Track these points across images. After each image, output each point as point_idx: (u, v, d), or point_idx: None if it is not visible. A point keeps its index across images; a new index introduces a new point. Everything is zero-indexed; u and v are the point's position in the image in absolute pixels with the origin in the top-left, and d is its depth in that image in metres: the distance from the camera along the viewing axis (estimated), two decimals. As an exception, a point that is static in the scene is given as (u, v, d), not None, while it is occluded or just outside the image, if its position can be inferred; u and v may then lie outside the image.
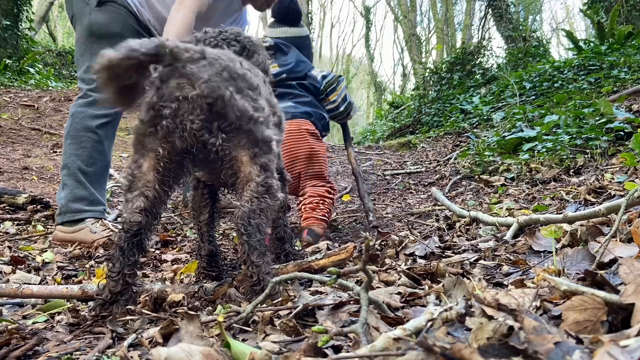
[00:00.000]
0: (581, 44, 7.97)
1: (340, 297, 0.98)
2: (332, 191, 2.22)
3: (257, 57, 1.45)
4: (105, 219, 2.16)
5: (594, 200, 1.91)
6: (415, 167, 4.74)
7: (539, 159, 3.08)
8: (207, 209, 1.37)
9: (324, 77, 2.34)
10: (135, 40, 1.00)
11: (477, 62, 9.30)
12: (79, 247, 2.01)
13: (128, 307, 1.03)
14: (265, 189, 1.07)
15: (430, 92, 9.34)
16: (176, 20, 2.00)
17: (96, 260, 1.82)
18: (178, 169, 1.11)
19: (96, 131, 2.12)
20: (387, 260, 1.38)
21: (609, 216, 1.35)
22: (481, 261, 1.27)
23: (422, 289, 1.06)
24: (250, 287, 1.05)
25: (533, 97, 6.06)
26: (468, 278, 1.11)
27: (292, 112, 2.19)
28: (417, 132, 7.92)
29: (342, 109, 2.39)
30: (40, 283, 1.49)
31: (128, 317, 1.00)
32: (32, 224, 2.38)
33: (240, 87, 1.07)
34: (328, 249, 1.66)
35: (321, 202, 2.14)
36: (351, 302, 0.90)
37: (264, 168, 1.08)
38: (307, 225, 2.09)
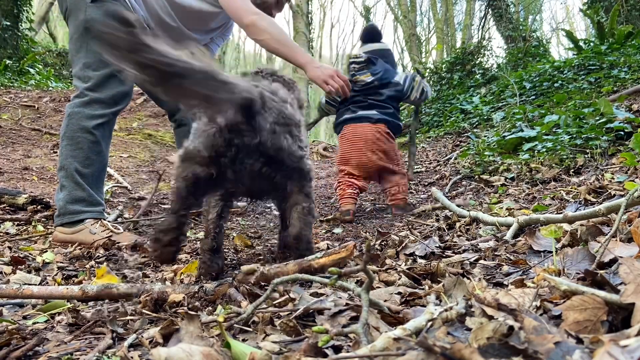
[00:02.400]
0: (581, 43, 7.97)
1: (340, 297, 0.98)
2: (404, 176, 2.93)
3: (294, 92, 1.60)
4: (104, 219, 2.16)
5: (594, 200, 1.91)
6: (415, 167, 4.74)
7: (539, 158, 3.08)
8: (215, 209, 1.46)
9: (405, 80, 2.92)
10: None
11: (477, 62, 9.30)
12: (79, 247, 2.01)
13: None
14: (308, 211, 1.33)
15: (430, 92, 9.34)
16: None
17: (96, 260, 1.82)
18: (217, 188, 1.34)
19: (93, 132, 2.09)
20: (388, 260, 1.38)
21: (609, 216, 1.35)
22: (481, 261, 1.27)
23: (422, 289, 1.06)
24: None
25: (533, 97, 6.06)
26: (468, 278, 1.11)
27: (376, 117, 2.81)
28: (417, 132, 7.92)
29: (418, 100, 3.04)
30: (40, 283, 1.49)
31: (128, 318, 1.00)
32: (33, 224, 2.38)
33: (291, 131, 1.25)
34: (328, 248, 1.66)
35: (396, 186, 2.88)
36: (352, 308, 0.90)
37: (307, 195, 1.34)
38: (394, 204, 2.86)
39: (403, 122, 3.67)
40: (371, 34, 3.07)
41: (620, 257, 0.96)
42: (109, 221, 2.22)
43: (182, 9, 2.26)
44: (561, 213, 1.49)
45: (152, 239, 1.25)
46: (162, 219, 1.42)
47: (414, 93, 2.92)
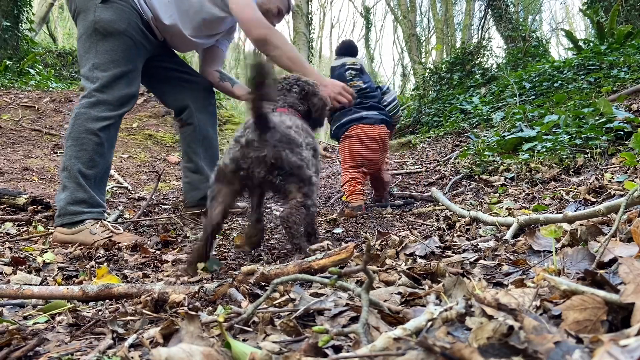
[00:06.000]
0: (581, 43, 7.97)
1: (340, 297, 0.98)
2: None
3: (314, 99, 1.99)
4: (104, 220, 2.15)
5: (594, 199, 1.92)
6: (415, 167, 4.74)
7: (538, 158, 3.08)
8: (256, 202, 1.92)
9: (383, 93, 3.24)
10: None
11: (476, 62, 9.30)
12: (79, 247, 2.01)
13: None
14: (301, 204, 1.60)
15: (430, 92, 9.34)
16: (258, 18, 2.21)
17: (97, 260, 1.82)
18: (243, 192, 1.72)
19: (98, 134, 2.10)
20: (388, 260, 1.38)
21: (608, 216, 1.35)
22: (481, 261, 1.27)
23: (422, 289, 1.06)
24: (296, 254, 1.57)
25: (533, 97, 6.06)
26: (468, 278, 1.11)
27: (379, 118, 3.05)
28: (417, 132, 7.92)
29: (396, 119, 3.35)
30: (40, 284, 1.49)
31: (129, 318, 1.00)
32: (33, 224, 2.38)
33: (291, 148, 1.59)
34: (328, 248, 1.66)
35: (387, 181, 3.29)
36: (352, 308, 0.90)
37: (305, 194, 1.61)
38: (381, 196, 3.31)
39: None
40: (350, 49, 3.37)
41: (620, 256, 0.96)
42: (109, 221, 2.22)
43: (199, 15, 2.29)
44: (561, 213, 1.49)
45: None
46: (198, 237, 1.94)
47: (398, 114, 3.32)
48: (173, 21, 2.29)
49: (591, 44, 7.67)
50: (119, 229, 2.13)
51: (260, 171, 1.56)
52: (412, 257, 1.43)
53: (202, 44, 2.52)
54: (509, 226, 1.62)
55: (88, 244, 2.01)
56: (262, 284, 1.20)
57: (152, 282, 1.45)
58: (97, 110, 2.10)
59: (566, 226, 1.37)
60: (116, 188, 3.69)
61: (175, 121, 2.74)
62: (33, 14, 11.05)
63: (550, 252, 1.19)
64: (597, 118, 3.30)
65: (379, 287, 1.06)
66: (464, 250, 1.47)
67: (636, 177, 2.09)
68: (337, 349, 0.72)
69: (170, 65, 2.58)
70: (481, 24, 12.08)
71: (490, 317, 0.65)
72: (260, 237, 1.92)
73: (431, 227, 2.05)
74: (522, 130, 3.88)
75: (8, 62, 8.91)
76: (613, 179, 2.21)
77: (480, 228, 1.82)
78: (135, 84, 2.21)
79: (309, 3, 13.44)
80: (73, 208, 2.06)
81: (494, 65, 9.61)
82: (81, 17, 2.14)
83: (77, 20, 2.19)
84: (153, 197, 3.05)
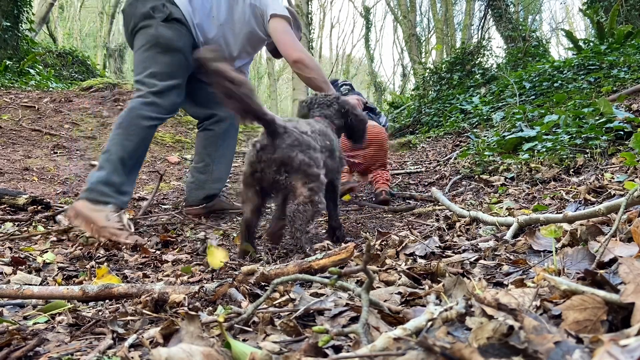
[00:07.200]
0: (581, 43, 7.97)
1: (340, 297, 0.98)
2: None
3: (352, 118, 2.21)
4: (124, 212, 2.24)
5: (594, 199, 1.92)
6: (415, 167, 4.74)
7: (538, 158, 3.08)
8: (281, 200, 2.01)
9: (376, 114, 3.77)
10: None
11: (476, 62, 9.29)
12: (79, 247, 2.01)
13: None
14: (308, 199, 1.69)
15: (430, 92, 9.33)
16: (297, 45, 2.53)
17: (97, 260, 1.82)
18: (266, 191, 1.82)
19: (146, 130, 2.30)
20: (388, 260, 1.38)
21: (608, 215, 1.35)
22: (481, 261, 1.27)
23: (422, 288, 1.06)
24: (296, 251, 1.68)
25: (533, 97, 6.06)
26: (468, 278, 1.11)
27: (382, 123, 3.59)
28: (417, 132, 7.92)
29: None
30: (41, 284, 1.49)
31: (129, 318, 1.00)
32: (33, 224, 2.38)
33: (302, 149, 1.71)
34: (328, 248, 1.66)
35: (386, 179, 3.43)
36: (352, 308, 0.90)
37: (310, 189, 1.70)
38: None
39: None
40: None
41: (620, 256, 0.96)
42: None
43: (251, 34, 2.59)
44: (561, 213, 1.49)
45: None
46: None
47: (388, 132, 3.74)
48: (221, 44, 2.59)
49: (591, 44, 7.67)
50: (130, 228, 2.18)
51: (270, 171, 1.70)
52: (412, 257, 1.42)
53: (237, 65, 2.79)
54: (509, 226, 1.62)
55: (97, 227, 2.04)
56: (262, 284, 1.20)
57: (152, 282, 1.45)
58: (150, 110, 2.31)
59: (566, 226, 1.37)
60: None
61: (198, 126, 2.92)
62: (33, 14, 11.04)
63: (550, 252, 1.19)
64: (597, 118, 3.30)
65: (379, 287, 1.06)
66: (464, 250, 1.47)
67: (636, 177, 2.09)
68: (337, 349, 0.72)
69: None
70: (481, 24, 12.09)
71: (490, 317, 0.65)
72: (281, 234, 2.04)
73: (431, 227, 2.05)
74: (522, 130, 3.88)
75: (8, 62, 8.91)
76: (613, 179, 2.21)
77: (480, 228, 1.82)
78: (182, 95, 2.51)
79: (309, 3, 13.43)
80: (104, 188, 2.15)
81: (494, 65, 9.60)
82: (142, 31, 2.39)
83: (135, 34, 2.43)
84: (154, 197, 3.05)
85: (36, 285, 1.41)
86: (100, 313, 1.10)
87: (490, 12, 11.67)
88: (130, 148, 2.24)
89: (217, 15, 2.50)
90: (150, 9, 2.34)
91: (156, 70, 2.36)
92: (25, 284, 1.29)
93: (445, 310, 0.70)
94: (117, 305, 1.15)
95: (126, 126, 2.26)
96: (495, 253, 1.34)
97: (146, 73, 2.35)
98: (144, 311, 1.03)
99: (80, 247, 2.01)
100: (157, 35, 2.34)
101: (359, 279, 1.19)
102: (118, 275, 1.55)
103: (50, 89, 8.52)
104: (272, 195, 1.88)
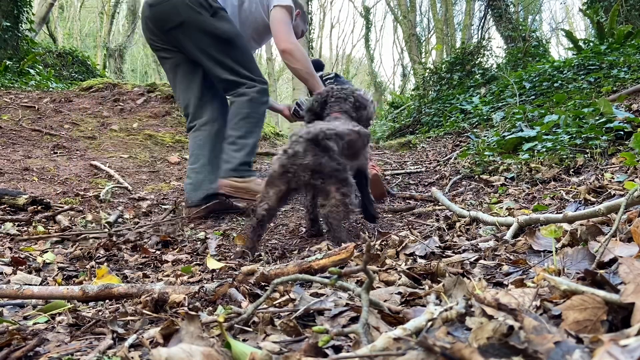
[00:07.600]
0: (581, 43, 7.97)
1: (340, 297, 0.98)
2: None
3: (364, 112, 2.31)
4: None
5: (594, 199, 1.91)
6: (415, 167, 4.74)
7: (538, 158, 3.08)
8: (310, 200, 2.18)
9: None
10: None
11: (476, 62, 9.29)
12: (79, 247, 2.01)
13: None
14: (340, 202, 1.81)
15: (430, 92, 9.33)
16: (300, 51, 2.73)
17: (97, 261, 1.82)
18: (290, 194, 1.93)
19: (264, 114, 2.78)
20: (388, 260, 1.38)
21: (608, 215, 1.35)
22: (481, 261, 1.27)
23: (422, 288, 1.06)
24: (335, 244, 1.74)
25: (533, 97, 6.06)
26: (468, 278, 1.11)
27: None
28: (417, 132, 7.91)
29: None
30: (41, 284, 1.49)
31: (129, 318, 1.00)
32: (33, 225, 2.38)
33: (330, 155, 1.82)
34: (328, 248, 1.66)
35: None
36: (352, 308, 0.90)
37: (343, 193, 1.82)
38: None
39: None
40: (317, 64, 4.16)
41: (620, 256, 0.96)
42: (108, 222, 2.32)
43: (256, 23, 2.81)
44: (561, 213, 1.49)
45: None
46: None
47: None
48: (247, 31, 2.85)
49: (591, 44, 7.66)
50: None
51: (305, 175, 1.82)
52: (412, 257, 1.42)
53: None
54: (509, 226, 1.62)
55: (256, 192, 2.38)
56: (262, 284, 1.20)
57: (152, 282, 1.45)
58: (262, 96, 2.66)
59: (566, 226, 1.37)
60: (116, 188, 3.68)
61: (189, 127, 2.96)
62: (33, 14, 11.03)
63: (550, 252, 1.19)
64: (597, 118, 3.30)
65: (379, 287, 1.06)
66: (464, 250, 1.47)
67: (636, 177, 2.09)
68: (337, 349, 0.72)
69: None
70: (481, 24, 12.08)
71: (490, 317, 0.65)
72: (317, 229, 2.25)
73: (431, 227, 2.04)
74: (522, 130, 3.88)
75: (8, 62, 8.90)
76: (613, 179, 2.21)
77: (480, 228, 1.82)
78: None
79: (309, 3, 13.43)
80: (243, 168, 2.62)
81: (494, 65, 9.59)
82: (192, 27, 2.56)
83: (181, 29, 2.58)
84: (153, 197, 3.05)
85: (36, 285, 1.41)
86: (100, 313, 1.10)
87: (490, 12, 11.67)
88: (258, 134, 2.73)
89: (225, 3, 2.67)
90: (197, 4, 2.50)
91: (239, 59, 2.64)
92: (25, 284, 1.29)
93: (445, 310, 0.70)
94: (117, 305, 1.15)
95: (257, 117, 2.64)
96: (495, 253, 1.34)
97: (231, 67, 2.61)
98: (144, 311, 1.03)
99: (80, 247, 2.01)
100: (217, 31, 2.56)
101: (359, 279, 1.19)
102: (118, 275, 1.55)
103: (50, 89, 8.52)
104: (299, 194, 2.01)
